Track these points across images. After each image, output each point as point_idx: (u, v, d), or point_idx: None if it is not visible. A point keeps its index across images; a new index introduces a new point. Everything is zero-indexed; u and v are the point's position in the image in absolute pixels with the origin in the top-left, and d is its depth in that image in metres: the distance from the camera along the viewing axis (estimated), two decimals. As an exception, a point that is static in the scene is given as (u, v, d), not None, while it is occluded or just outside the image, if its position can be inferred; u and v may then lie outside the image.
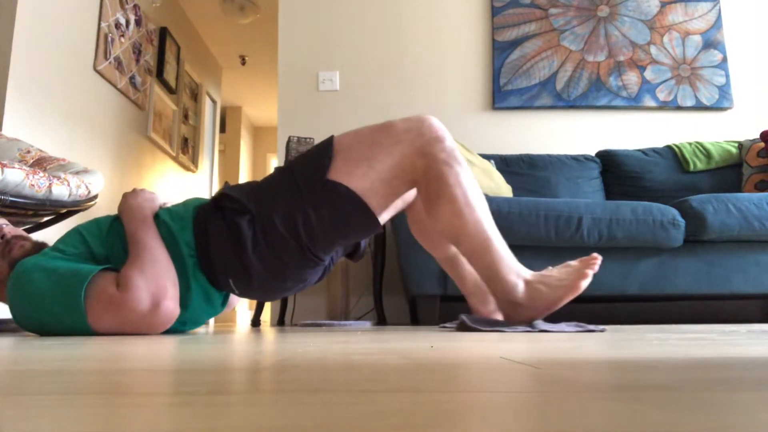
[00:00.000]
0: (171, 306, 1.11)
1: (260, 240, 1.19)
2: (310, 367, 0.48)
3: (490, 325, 1.23)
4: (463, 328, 1.26)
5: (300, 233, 1.19)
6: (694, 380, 0.38)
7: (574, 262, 1.26)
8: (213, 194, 1.31)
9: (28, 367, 0.50)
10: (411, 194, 1.38)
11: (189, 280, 1.21)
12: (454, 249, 1.46)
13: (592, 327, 1.24)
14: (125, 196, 1.30)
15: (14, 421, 0.25)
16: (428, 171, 1.20)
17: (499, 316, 1.38)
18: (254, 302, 2.46)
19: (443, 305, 2.59)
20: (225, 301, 1.33)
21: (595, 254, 1.26)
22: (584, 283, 1.19)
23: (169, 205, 1.42)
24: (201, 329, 1.85)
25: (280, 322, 2.56)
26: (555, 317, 1.37)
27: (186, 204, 1.32)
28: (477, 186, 1.24)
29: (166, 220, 1.25)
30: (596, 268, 1.22)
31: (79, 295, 1.07)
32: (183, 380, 0.41)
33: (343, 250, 1.38)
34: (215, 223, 1.22)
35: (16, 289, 1.11)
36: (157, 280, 1.11)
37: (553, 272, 1.23)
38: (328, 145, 1.23)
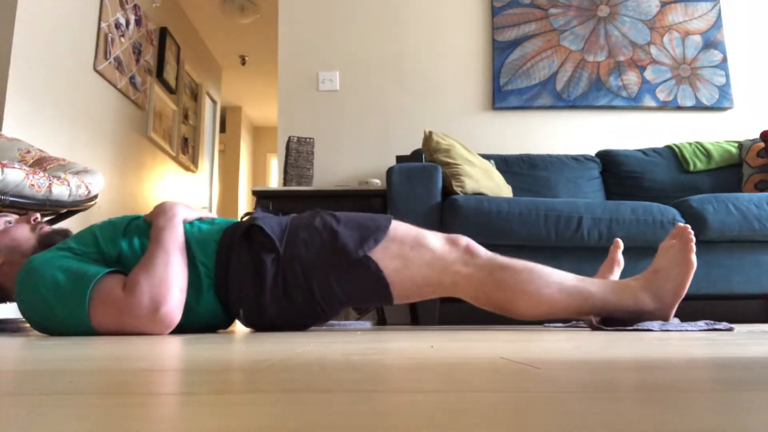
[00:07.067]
0: (171, 312, 1.11)
1: (279, 281, 1.20)
2: (310, 367, 0.48)
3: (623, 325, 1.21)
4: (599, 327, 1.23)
5: (314, 289, 1.20)
6: (694, 380, 0.38)
7: (665, 243, 1.25)
8: (244, 217, 1.31)
9: (28, 367, 0.50)
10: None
11: (201, 298, 1.21)
12: None
13: (721, 326, 1.21)
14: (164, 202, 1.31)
15: (14, 421, 0.25)
16: (480, 285, 1.21)
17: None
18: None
19: (443, 305, 2.59)
20: (230, 322, 1.34)
21: (679, 224, 1.25)
22: (694, 256, 1.20)
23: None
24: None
25: (280, 322, 2.56)
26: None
27: (214, 223, 1.30)
28: (516, 262, 1.22)
29: (189, 235, 1.24)
30: (692, 236, 1.21)
31: (85, 296, 1.08)
32: (183, 380, 0.41)
33: None
34: (240, 252, 1.22)
35: (24, 284, 1.12)
36: (162, 284, 1.10)
37: (656, 264, 1.23)
38: (384, 226, 1.24)
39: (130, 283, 1.10)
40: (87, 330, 1.10)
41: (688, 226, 1.23)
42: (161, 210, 1.24)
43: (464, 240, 1.25)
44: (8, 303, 1.33)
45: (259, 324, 1.27)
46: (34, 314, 1.13)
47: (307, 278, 1.20)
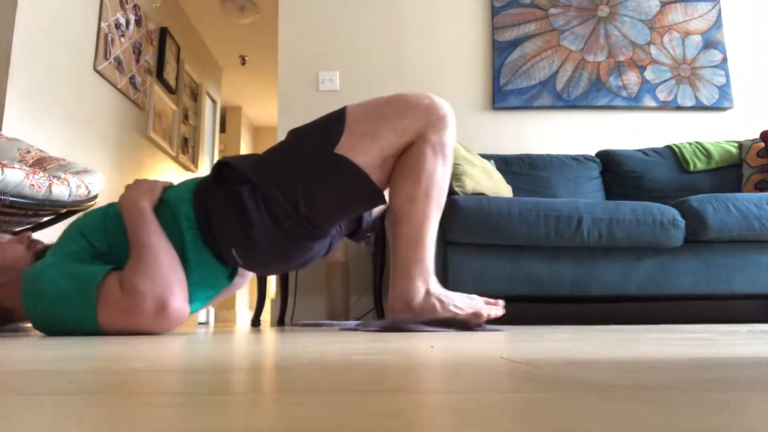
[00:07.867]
0: (178, 306, 1.10)
1: (262, 209, 1.19)
2: (310, 367, 0.48)
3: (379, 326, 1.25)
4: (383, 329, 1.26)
5: (299, 204, 1.19)
6: (694, 380, 0.38)
7: (480, 300, 1.25)
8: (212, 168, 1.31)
9: (28, 367, 0.50)
10: None
11: (187, 255, 1.20)
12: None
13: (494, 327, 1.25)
14: (126, 188, 1.28)
15: (13, 421, 0.25)
16: (414, 147, 1.21)
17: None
18: (254, 302, 2.43)
19: (443, 305, 2.58)
20: (232, 275, 1.31)
21: (500, 301, 1.26)
22: (476, 323, 1.20)
23: None
24: (201, 329, 1.85)
25: (280, 322, 2.56)
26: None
27: (186, 181, 1.32)
28: (446, 188, 1.25)
29: (164, 197, 1.25)
30: (495, 313, 1.22)
31: (91, 300, 1.08)
32: (183, 380, 0.41)
33: (346, 225, 1.38)
34: (215, 193, 1.21)
35: (28, 294, 1.12)
36: (161, 283, 1.10)
37: (457, 298, 1.22)
38: (340, 117, 1.23)
39: (129, 286, 1.09)
40: (94, 330, 1.10)
41: (502, 307, 1.24)
42: (126, 208, 1.22)
43: (442, 108, 1.25)
44: (14, 324, 1.32)
45: (257, 261, 1.25)
46: (45, 321, 1.12)
47: (288, 198, 1.18)
